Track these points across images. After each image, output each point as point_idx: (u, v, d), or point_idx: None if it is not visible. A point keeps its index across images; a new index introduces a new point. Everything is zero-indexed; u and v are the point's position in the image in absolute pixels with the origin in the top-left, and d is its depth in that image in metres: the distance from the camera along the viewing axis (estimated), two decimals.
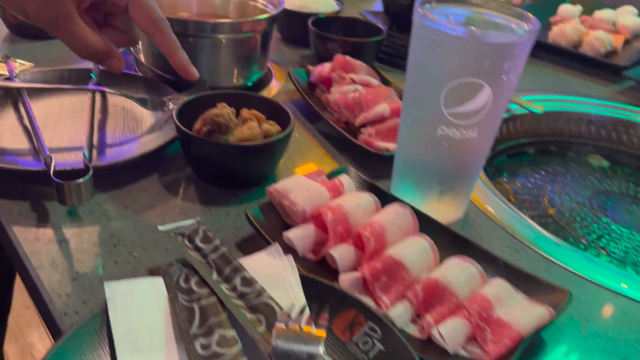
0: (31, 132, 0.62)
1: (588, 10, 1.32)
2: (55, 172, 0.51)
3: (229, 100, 0.64)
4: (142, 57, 0.79)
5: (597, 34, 1.08)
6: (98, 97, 0.71)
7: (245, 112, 0.62)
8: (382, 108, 0.73)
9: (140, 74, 0.77)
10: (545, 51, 1.12)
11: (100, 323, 0.38)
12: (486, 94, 0.51)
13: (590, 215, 0.74)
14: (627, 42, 1.20)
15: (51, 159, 0.52)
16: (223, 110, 0.58)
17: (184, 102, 0.62)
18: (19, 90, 0.66)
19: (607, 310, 0.52)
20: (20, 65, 0.74)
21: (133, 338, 0.38)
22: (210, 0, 0.90)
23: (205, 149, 0.57)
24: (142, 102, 0.68)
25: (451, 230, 0.53)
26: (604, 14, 1.28)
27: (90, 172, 0.49)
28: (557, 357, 0.45)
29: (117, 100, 0.71)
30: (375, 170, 0.67)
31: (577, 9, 1.31)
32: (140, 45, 0.78)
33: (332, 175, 0.59)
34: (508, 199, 0.75)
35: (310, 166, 0.68)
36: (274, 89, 0.86)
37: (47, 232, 0.51)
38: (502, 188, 0.81)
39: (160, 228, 0.47)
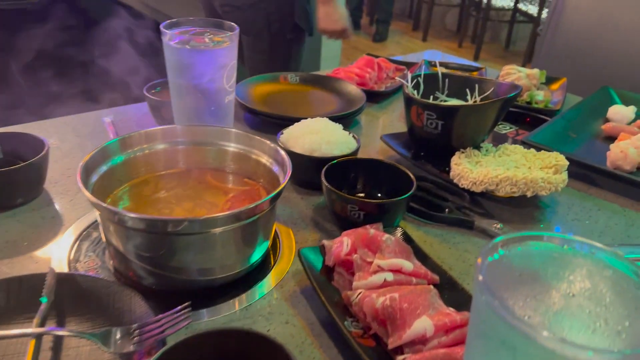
0: None
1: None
2: None
3: (221, 343, 0.48)
4: (113, 249, 0.63)
5: None
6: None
7: None
8: (424, 325, 0.54)
9: (105, 280, 0.60)
10: (604, 176, 0.94)
11: None
12: None
13: None
14: None
15: None
16: None
17: (165, 351, 0.44)
18: None
19: None
20: None
21: None
22: (203, 151, 0.74)
23: None
24: (103, 341, 0.51)
25: None
26: None
27: None
28: None
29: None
30: None
31: (631, 111, 1.13)
32: (108, 237, 0.62)
33: None
34: None
35: None
36: (279, 271, 0.69)
37: None
38: None
39: None
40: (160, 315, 0.53)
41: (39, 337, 0.52)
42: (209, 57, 0.82)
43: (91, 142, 0.95)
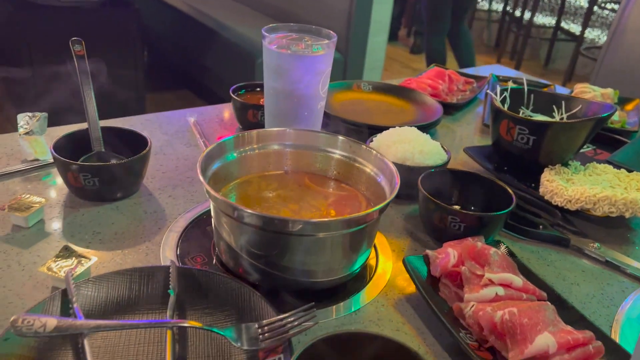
0: None
1: None
2: None
3: (351, 346, 0.48)
4: (223, 243, 0.64)
5: None
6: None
7: None
8: (547, 341, 0.54)
9: (225, 276, 0.61)
10: None
11: None
12: None
13: None
14: None
15: None
16: None
17: (305, 349, 0.45)
18: (75, 331, 0.51)
19: None
20: (79, 262, 0.60)
21: None
22: (308, 155, 0.75)
23: None
24: (234, 338, 0.52)
25: None
26: None
27: None
28: None
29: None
30: None
31: None
32: (220, 230, 0.63)
33: None
34: None
35: None
36: (382, 279, 0.69)
37: None
38: None
39: None
40: (287, 314, 0.54)
41: (174, 328, 0.53)
42: (308, 63, 0.83)
43: (179, 141, 0.97)
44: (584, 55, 4.19)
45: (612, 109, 0.86)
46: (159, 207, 0.77)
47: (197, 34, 2.99)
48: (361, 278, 0.69)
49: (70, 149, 0.76)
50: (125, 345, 0.52)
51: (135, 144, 0.79)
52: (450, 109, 1.21)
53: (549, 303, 0.59)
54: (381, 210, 0.63)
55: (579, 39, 4.35)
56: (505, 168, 0.94)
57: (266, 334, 0.52)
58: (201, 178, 0.61)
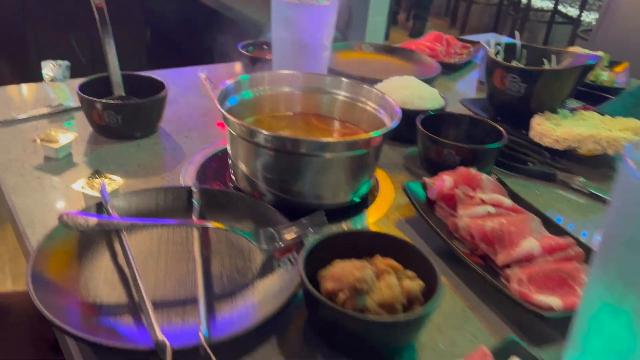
0: (130, 281, 0.52)
1: None
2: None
3: (357, 242, 0.54)
4: (239, 168, 0.70)
5: None
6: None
7: (380, 263, 0.52)
8: (531, 245, 0.61)
9: (242, 195, 0.67)
10: None
11: None
12: None
13: None
14: None
15: (165, 345, 0.42)
16: (366, 275, 0.47)
17: (309, 250, 0.51)
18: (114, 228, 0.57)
19: None
20: (109, 182, 0.66)
21: None
22: (315, 98, 0.81)
23: (345, 322, 0.46)
24: (253, 238, 0.58)
25: None
26: None
27: None
28: None
29: (221, 231, 0.62)
30: (533, 330, 0.54)
31: None
32: (236, 154, 0.69)
33: (497, 354, 0.47)
34: None
35: (456, 333, 0.55)
36: (383, 204, 0.75)
37: None
38: None
39: None
40: (300, 220, 0.60)
41: (202, 228, 0.59)
42: (314, 13, 0.89)
43: (192, 93, 1.03)
44: (581, 38, 4.23)
45: (598, 58, 0.92)
46: (176, 146, 0.83)
47: (200, 14, 3.04)
48: (365, 204, 0.75)
49: (94, 93, 0.82)
50: (156, 247, 0.58)
51: (153, 89, 0.85)
52: (447, 69, 1.27)
53: (535, 216, 0.66)
54: (385, 136, 0.69)
55: (575, 22, 4.40)
56: (499, 118, 1.00)
57: (282, 236, 0.59)
58: (218, 106, 0.67)
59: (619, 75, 1.31)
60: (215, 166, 0.79)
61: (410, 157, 0.88)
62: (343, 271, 0.48)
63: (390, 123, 0.71)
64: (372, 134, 0.66)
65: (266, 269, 0.57)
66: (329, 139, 0.67)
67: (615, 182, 0.43)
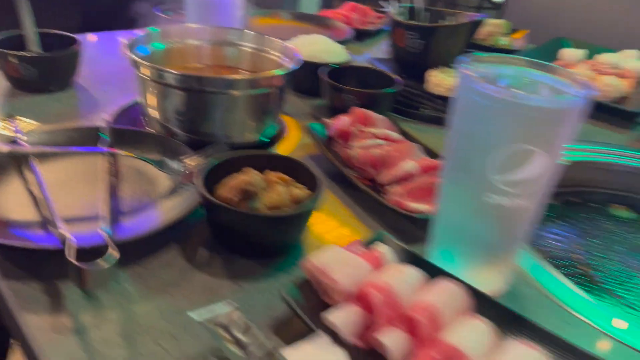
0: (40, 202, 0.57)
1: (589, 54, 1.32)
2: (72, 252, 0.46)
3: (253, 163, 0.61)
4: (151, 112, 0.75)
5: (609, 80, 1.07)
6: (109, 158, 0.66)
7: (271, 175, 0.59)
8: (409, 165, 0.69)
9: (151, 131, 0.73)
10: None
11: None
12: (538, 160, 0.48)
13: (633, 275, 0.71)
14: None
15: (66, 237, 0.47)
16: (253, 178, 0.54)
17: (210, 168, 0.58)
18: (25, 154, 0.62)
19: None
20: (25, 125, 0.70)
21: None
22: (222, 51, 0.87)
23: (238, 220, 0.53)
24: (159, 164, 0.64)
25: (501, 305, 0.50)
26: (606, 58, 1.28)
27: (116, 255, 0.45)
28: None
29: (129, 161, 0.67)
30: (406, 233, 0.63)
31: (581, 52, 1.31)
32: (147, 99, 0.74)
33: (368, 244, 0.55)
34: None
35: (342, 232, 0.63)
36: (289, 144, 0.82)
37: (63, 320, 0.46)
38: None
39: (194, 317, 0.42)
40: (204, 149, 0.66)
41: (111, 155, 0.64)
42: None
43: (111, 55, 1.06)
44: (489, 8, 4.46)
45: (485, 15, 1.03)
46: (93, 98, 0.87)
47: None
48: (272, 144, 0.82)
49: (10, 48, 0.84)
50: (66, 175, 0.63)
51: (68, 46, 0.88)
52: (361, 36, 1.36)
53: (418, 144, 0.75)
54: (286, 75, 0.75)
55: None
56: (404, 75, 1.10)
57: (187, 164, 0.65)
58: (128, 52, 0.72)
59: (518, 41, 1.44)
60: (131, 116, 0.83)
61: (317, 107, 0.95)
62: (235, 180, 0.55)
63: (296, 62, 0.78)
64: (274, 72, 0.73)
65: (171, 192, 0.63)
66: (234, 76, 0.73)
67: (455, 89, 0.52)
